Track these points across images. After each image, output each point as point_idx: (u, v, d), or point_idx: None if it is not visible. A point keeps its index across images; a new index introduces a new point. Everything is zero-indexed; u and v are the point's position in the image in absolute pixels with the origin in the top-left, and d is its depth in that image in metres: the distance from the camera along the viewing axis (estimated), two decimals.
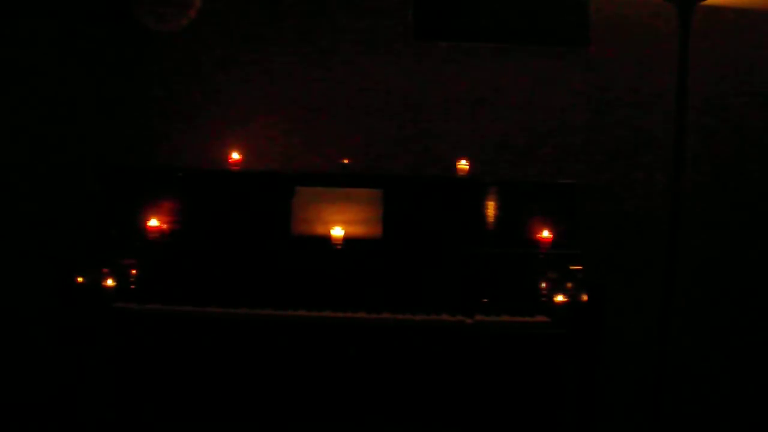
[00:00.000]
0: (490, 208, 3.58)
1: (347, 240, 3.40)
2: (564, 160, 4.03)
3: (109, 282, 3.23)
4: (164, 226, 3.51)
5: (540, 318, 3.24)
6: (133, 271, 3.33)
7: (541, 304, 3.30)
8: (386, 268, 3.37)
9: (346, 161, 3.74)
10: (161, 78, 4.02)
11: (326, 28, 4.03)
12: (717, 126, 4.06)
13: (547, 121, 4.05)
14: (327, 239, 3.41)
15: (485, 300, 3.33)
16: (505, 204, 3.57)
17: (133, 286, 3.32)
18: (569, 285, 3.26)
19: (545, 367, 3.45)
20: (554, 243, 3.48)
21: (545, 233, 3.50)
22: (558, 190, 3.63)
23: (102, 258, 3.30)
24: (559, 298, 3.24)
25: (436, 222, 3.54)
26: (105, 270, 3.24)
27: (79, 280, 3.18)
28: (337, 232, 3.40)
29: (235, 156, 3.82)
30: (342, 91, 4.03)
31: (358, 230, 3.45)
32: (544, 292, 3.33)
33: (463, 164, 3.84)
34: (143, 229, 3.47)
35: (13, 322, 3.90)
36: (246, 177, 3.71)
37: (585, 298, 3.19)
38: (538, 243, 3.49)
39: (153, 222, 3.47)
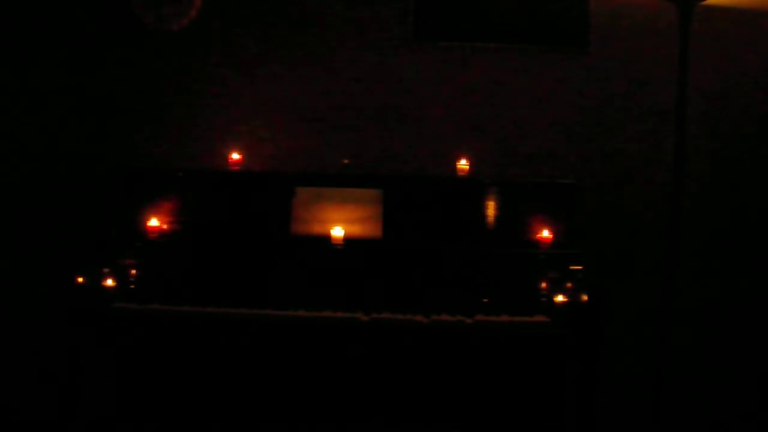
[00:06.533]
0: (490, 208, 3.58)
1: (347, 240, 3.41)
2: (563, 160, 4.03)
3: (109, 282, 3.23)
4: (164, 226, 3.51)
5: (540, 318, 3.24)
6: (133, 271, 3.34)
7: (541, 304, 3.30)
8: (386, 268, 3.37)
9: (346, 161, 3.74)
10: (161, 78, 4.02)
11: (327, 29, 4.03)
12: (717, 126, 4.06)
13: (546, 120, 4.04)
14: (327, 239, 3.41)
15: (485, 300, 3.33)
16: (505, 204, 3.57)
17: (133, 286, 3.32)
18: (569, 285, 3.25)
19: (545, 367, 3.44)
20: (554, 243, 3.49)
21: (545, 233, 3.50)
22: (558, 190, 3.63)
23: (102, 258, 3.30)
24: (559, 298, 3.23)
25: (436, 222, 3.54)
26: (105, 270, 3.24)
27: (79, 280, 3.18)
28: (337, 232, 3.40)
29: (235, 156, 3.83)
30: (342, 91, 4.03)
31: (358, 230, 3.45)
32: (544, 292, 3.33)
33: (463, 164, 3.84)
34: (143, 229, 3.47)
35: (13, 322, 3.90)
36: (246, 177, 3.71)
37: (585, 298, 3.19)
38: (538, 243, 3.50)
39: (153, 222, 3.48)
